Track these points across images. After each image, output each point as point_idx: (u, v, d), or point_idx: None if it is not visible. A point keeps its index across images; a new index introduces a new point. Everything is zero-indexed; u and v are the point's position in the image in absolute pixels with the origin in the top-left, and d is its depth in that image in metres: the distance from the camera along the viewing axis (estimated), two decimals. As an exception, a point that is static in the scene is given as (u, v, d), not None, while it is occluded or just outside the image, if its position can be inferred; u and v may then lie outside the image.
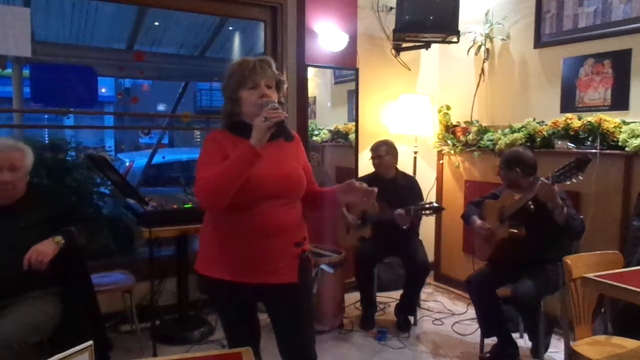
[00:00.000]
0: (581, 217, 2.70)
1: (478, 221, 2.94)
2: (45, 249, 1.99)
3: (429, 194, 4.19)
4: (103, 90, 12.15)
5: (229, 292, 1.72)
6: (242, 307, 1.80)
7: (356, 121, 4.06)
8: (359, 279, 3.45)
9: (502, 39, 3.71)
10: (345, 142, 4.15)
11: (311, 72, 3.87)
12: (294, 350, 1.80)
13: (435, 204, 2.98)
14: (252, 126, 1.59)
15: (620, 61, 2.98)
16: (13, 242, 1.99)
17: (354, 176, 3.87)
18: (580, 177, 2.38)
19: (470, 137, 3.80)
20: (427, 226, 4.06)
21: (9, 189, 2.08)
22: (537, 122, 3.33)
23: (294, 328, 1.78)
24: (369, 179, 3.45)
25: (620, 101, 2.99)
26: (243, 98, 1.68)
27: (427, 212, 2.97)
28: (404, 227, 3.06)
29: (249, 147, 1.54)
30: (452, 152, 4.00)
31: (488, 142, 3.63)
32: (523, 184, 2.73)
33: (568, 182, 2.40)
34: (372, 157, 3.46)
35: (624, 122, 2.89)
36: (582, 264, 2.11)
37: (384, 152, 3.40)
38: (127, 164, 6.28)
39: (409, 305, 3.40)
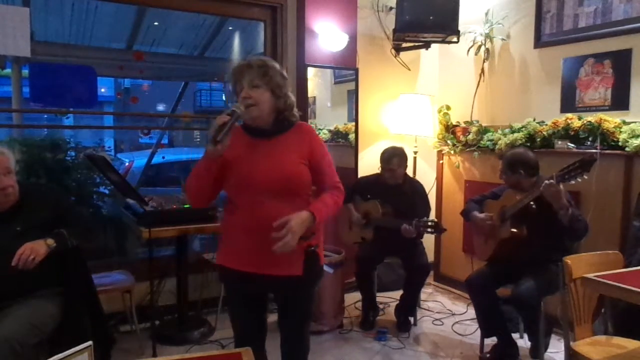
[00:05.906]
0: (585, 218, 2.69)
1: (480, 214, 2.93)
2: (39, 249, 2.00)
3: (429, 194, 4.17)
4: (103, 90, 12.13)
5: (240, 282, 1.80)
6: (252, 298, 1.87)
7: (356, 121, 4.05)
8: (360, 281, 3.45)
9: (502, 39, 3.71)
10: (345, 142, 4.15)
11: (311, 72, 3.87)
12: (292, 336, 1.90)
13: (436, 224, 2.93)
14: (253, 127, 1.75)
15: (621, 61, 2.98)
16: (12, 246, 1.98)
17: (354, 176, 3.86)
18: (585, 177, 2.37)
19: (470, 137, 3.80)
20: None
21: (11, 193, 2.10)
22: (537, 122, 3.33)
23: (296, 317, 1.87)
24: (373, 182, 3.43)
25: (620, 101, 2.99)
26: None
27: (429, 230, 2.94)
28: (412, 237, 3.05)
29: (206, 149, 1.64)
30: (452, 152, 4.00)
31: (488, 142, 3.63)
32: (526, 185, 2.73)
33: (572, 182, 2.39)
34: (383, 169, 3.31)
35: (624, 122, 2.89)
36: (582, 264, 2.11)
37: (396, 165, 3.26)
38: (127, 164, 6.25)
39: (409, 306, 3.40)
